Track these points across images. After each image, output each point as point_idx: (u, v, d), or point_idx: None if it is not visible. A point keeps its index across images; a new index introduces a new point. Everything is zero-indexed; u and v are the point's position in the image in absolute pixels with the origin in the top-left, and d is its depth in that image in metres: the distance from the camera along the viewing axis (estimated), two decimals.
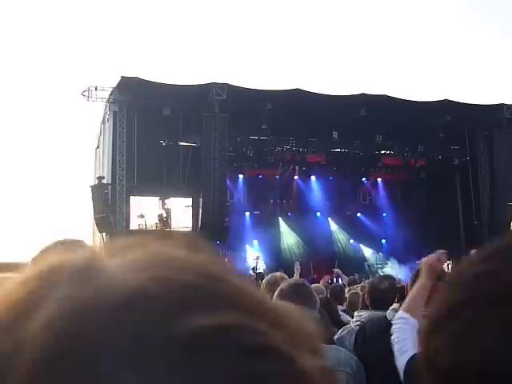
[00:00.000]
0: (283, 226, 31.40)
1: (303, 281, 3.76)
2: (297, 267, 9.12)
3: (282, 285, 3.34)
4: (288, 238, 31.19)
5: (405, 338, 3.12)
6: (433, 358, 0.79)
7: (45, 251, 2.28)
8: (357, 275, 13.33)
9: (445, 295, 0.85)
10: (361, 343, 3.87)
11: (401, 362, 3.06)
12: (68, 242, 2.36)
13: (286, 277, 5.18)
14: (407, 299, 3.36)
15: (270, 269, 23.47)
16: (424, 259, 3.46)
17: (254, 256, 27.55)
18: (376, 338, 3.47)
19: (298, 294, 3.22)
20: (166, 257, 0.48)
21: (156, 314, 0.42)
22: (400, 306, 3.94)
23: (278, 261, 26.97)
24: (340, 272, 12.96)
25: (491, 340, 0.74)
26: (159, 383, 0.41)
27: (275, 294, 3.33)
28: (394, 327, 3.21)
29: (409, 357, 3.00)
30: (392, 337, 3.19)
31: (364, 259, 30.75)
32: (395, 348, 3.13)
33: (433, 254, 3.42)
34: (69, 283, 0.44)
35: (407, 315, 3.22)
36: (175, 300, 0.43)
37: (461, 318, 0.78)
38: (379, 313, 4.44)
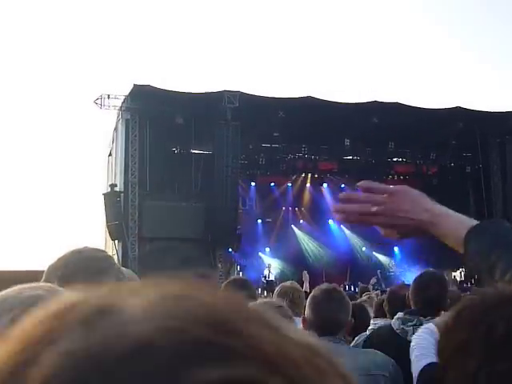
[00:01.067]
0: (298, 233, 31.42)
1: (335, 286, 3.76)
2: (305, 276, 8.97)
3: (314, 292, 3.36)
4: (307, 243, 31.23)
5: (424, 346, 3.12)
6: None
7: (62, 259, 2.29)
8: (375, 279, 13.32)
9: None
10: None
11: (417, 366, 3.06)
12: (87, 250, 2.35)
13: (297, 285, 5.22)
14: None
15: (294, 274, 23.60)
16: None
17: (266, 264, 27.62)
18: (381, 347, 3.45)
19: (331, 300, 3.23)
20: (179, 303, 0.45)
21: (162, 367, 0.41)
22: (404, 314, 3.93)
23: (301, 266, 26.99)
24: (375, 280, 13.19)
25: None
26: None
27: (307, 302, 3.34)
28: (418, 334, 3.20)
29: (426, 363, 3.00)
30: (411, 343, 3.19)
31: (376, 266, 30.61)
32: (414, 352, 3.13)
33: None
34: (74, 330, 0.42)
35: (433, 326, 3.19)
36: (183, 353, 0.41)
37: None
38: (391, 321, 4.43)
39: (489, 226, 1.50)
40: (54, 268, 2.24)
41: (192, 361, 0.41)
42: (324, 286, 3.57)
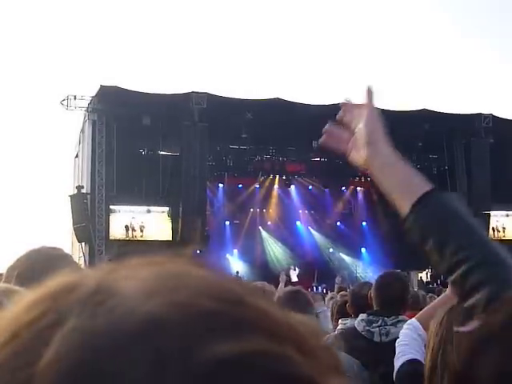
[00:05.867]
0: (265, 235, 31.39)
1: (299, 288, 3.75)
2: (282, 277, 8.91)
3: (279, 293, 3.34)
4: (273, 246, 31.22)
5: (406, 343, 3.12)
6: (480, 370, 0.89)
7: (19, 259, 2.26)
8: (340, 278, 13.31)
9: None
10: None
11: (397, 364, 3.06)
12: (44, 250, 2.33)
13: (271, 286, 5.16)
14: (426, 308, 3.32)
15: (257, 278, 23.54)
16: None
17: (234, 266, 27.65)
18: (347, 350, 3.43)
19: (295, 301, 3.22)
20: (181, 279, 0.44)
21: (174, 342, 0.40)
22: (368, 315, 3.91)
23: (265, 270, 27.04)
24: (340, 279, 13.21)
25: None
26: None
27: None
28: (402, 331, 3.19)
29: (405, 360, 3.00)
30: (397, 339, 3.18)
31: (344, 268, 30.73)
32: (396, 350, 3.13)
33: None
34: (80, 308, 0.42)
35: (417, 323, 3.22)
36: (193, 327, 0.40)
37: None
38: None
39: (437, 200, 1.48)
40: (11, 268, 2.24)
41: (203, 334, 0.40)
42: (289, 288, 3.56)
